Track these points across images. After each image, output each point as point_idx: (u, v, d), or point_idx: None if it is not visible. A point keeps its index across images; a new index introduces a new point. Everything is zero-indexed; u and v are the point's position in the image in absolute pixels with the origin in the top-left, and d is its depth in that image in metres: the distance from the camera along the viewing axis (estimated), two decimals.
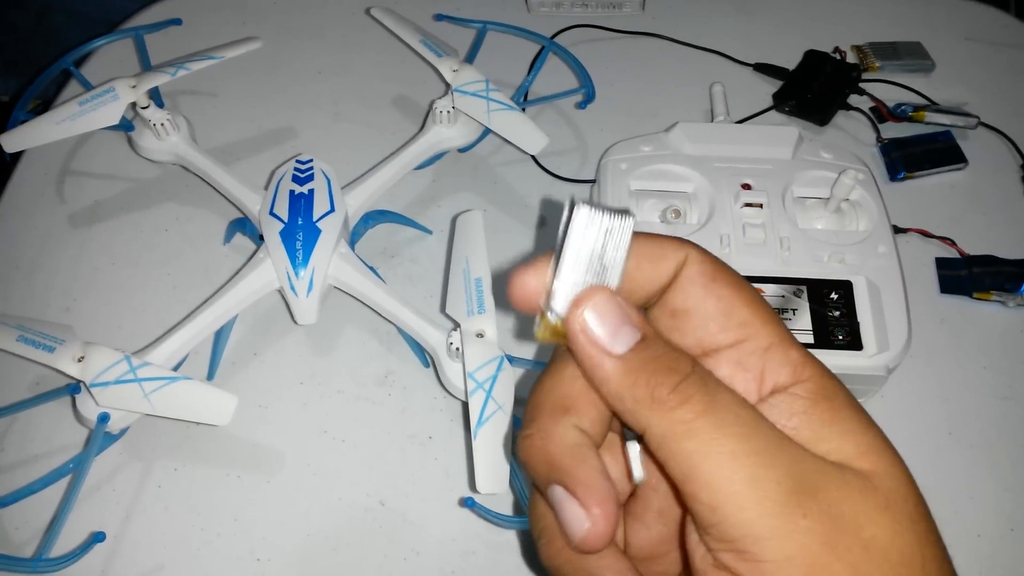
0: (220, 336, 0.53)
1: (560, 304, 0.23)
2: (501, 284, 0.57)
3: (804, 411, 0.22)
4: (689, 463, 0.21)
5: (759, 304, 0.24)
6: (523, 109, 0.61)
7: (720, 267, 0.24)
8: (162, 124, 0.59)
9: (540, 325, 0.23)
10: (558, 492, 0.22)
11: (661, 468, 0.22)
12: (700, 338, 0.24)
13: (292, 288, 0.51)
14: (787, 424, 0.22)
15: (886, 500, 0.21)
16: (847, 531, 0.20)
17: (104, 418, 0.47)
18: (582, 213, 0.23)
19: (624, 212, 0.23)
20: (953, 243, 0.60)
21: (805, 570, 0.20)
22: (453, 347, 0.49)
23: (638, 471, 0.23)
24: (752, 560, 0.20)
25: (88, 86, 0.60)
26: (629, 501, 0.27)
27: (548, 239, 0.61)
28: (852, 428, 0.22)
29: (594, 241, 0.23)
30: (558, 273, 0.23)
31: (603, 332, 0.22)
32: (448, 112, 0.61)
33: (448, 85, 0.60)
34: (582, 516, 0.22)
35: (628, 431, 0.23)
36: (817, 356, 0.24)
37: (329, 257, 0.52)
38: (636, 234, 0.23)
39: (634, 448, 0.24)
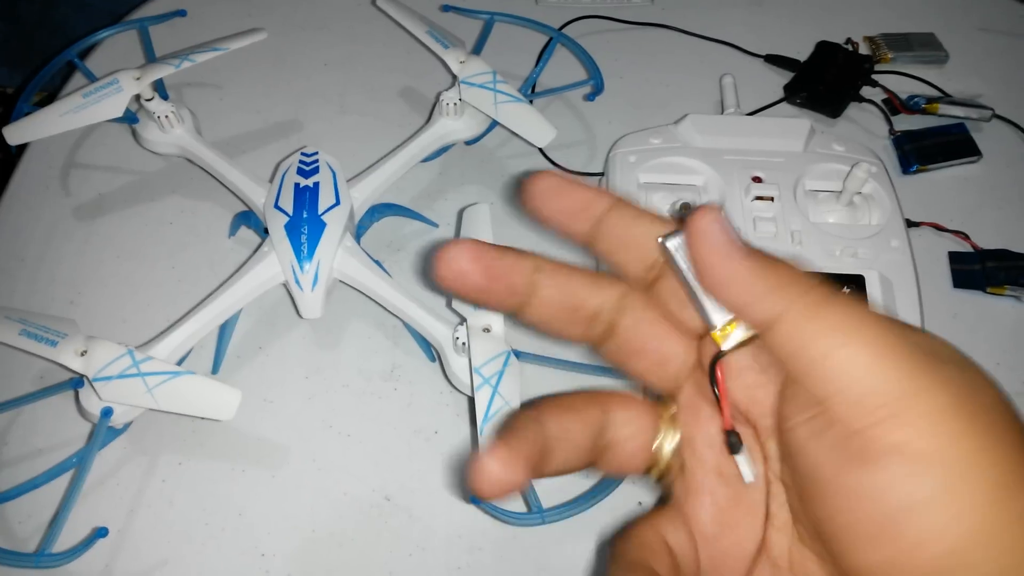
0: (225, 330, 0.52)
1: (719, 319, 0.23)
2: None
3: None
4: (830, 338, 0.20)
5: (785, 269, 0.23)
6: (531, 101, 0.60)
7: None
8: (166, 116, 0.59)
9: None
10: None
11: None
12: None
13: (297, 282, 0.51)
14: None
15: (980, 375, 0.21)
16: (976, 390, 0.20)
17: (107, 412, 0.47)
18: (676, 242, 0.23)
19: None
20: (967, 237, 0.59)
21: (959, 421, 0.19)
22: (459, 342, 0.48)
23: (748, 474, 0.24)
24: (904, 423, 0.19)
25: (92, 78, 0.60)
26: (682, 475, 0.26)
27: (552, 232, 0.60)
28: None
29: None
30: (699, 299, 0.23)
31: (727, 235, 0.22)
32: (455, 104, 0.60)
33: (455, 77, 0.60)
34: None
35: (733, 442, 0.23)
36: None
37: (334, 251, 0.52)
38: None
39: (741, 458, 0.24)
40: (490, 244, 0.24)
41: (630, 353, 0.25)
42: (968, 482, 0.19)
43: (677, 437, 0.25)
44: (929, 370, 0.20)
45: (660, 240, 0.23)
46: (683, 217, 0.23)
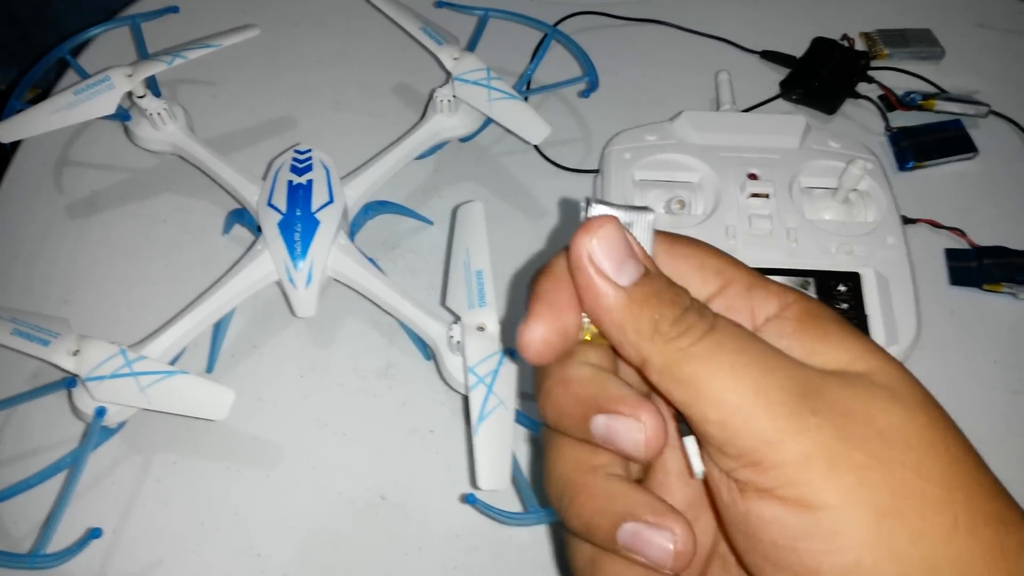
0: (219, 329, 0.52)
1: None
2: (502, 277, 0.57)
3: (794, 331, 0.23)
4: (694, 386, 0.21)
5: (723, 254, 0.25)
6: (525, 98, 0.60)
7: (673, 236, 0.25)
8: (159, 114, 0.58)
9: (584, 330, 0.24)
10: (599, 421, 0.23)
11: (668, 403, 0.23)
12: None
13: (291, 280, 0.51)
14: (779, 345, 0.23)
15: (891, 392, 0.21)
16: (860, 422, 0.20)
17: (101, 412, 0.47)
18: (598, 210, 0.23)
19: (643, 208, 0.24)
20: (963, 234, 0.59)
21: (825, 464, 0.20)
22: (454, 340, 0.48)
23: (698, 465, 0.23)
24: (771, 467, 0.20)
25: (84, 75, 0.60)
26: (648, 475, 0.26)
27: (552, 232, 0.60)
28: (842, 339, 0.23)
29: None
30: None
31: (609, 262, 0.22)
32: (449, 101, 0.60)
33: (449, 73, 0.59)
34: (635, 426, 0.22)
35: (684, 426, 0.23)
36: None
37: (328, 249, 0.51)
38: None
39: (691, 443, 0.23)
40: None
41: None
42: (899, 530, 0.20)
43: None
44: (802, 409, 0.21)
45: (585, 200, 0.24)
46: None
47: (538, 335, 0.23)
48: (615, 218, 0.23)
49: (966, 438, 0.22)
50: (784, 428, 0.20)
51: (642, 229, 0.24)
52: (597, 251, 0.22)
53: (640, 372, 0.23)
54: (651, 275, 0.23)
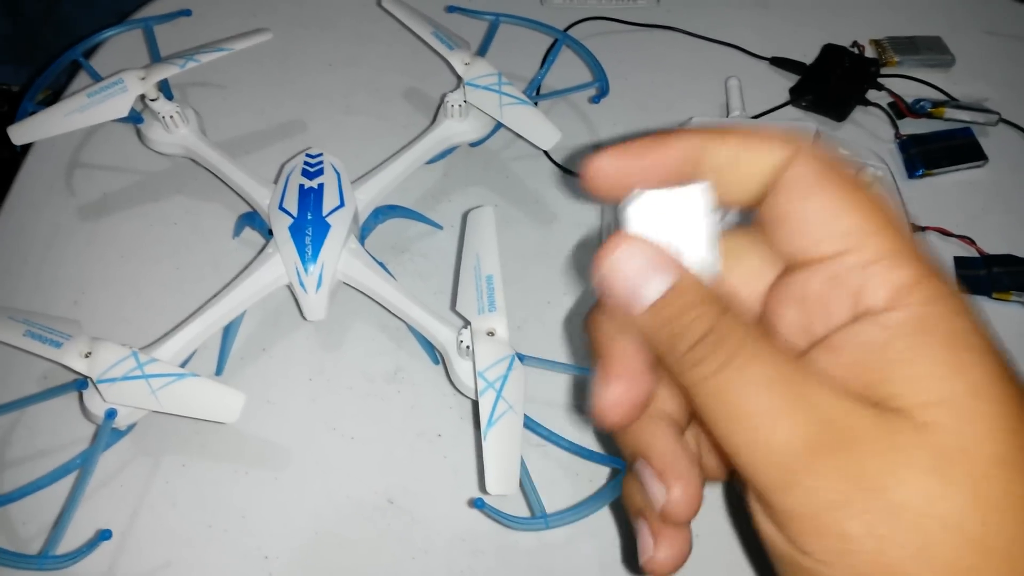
0: (228, 332, 0.52)
1: None
2: (512, 282, 0.57)
3: (884, 344, 0.20)
4: (705, 413, 0.21)
5: (874, 211, 0.21)
6: (535, 103, 0.60)
7: (832, 166, 0.22)
8: (171, 116, 0.59)
9: None
10: (640, 465, 0.23)
11: None
12: (799, 248, 0.22)
13: (301, 284, 0.51)
14: (859, 358, 0.20)
15: (935, 460, 0.18)
16: (867, 489, 0.18)
17: (111, 414, 0.47)
18: (644, 199, 0.22)
19: (694, 188, 0.22)
20: (972, 242, 0.59)
21: (810, 524, 0.19)
22: (463, 345, 0.48)
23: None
24: (770, 510, 0.20)
25: (97, 77, 0.60)
26: None
27: (562, 237, 0.60)
28: (935, 373, 0.19)
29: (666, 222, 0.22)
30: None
31: (628, 283, 0.21)
32: (460, 106, 0.60)
33: (460, 78, 0.60)
34: (661, 490, 0.22)
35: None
36: None
37: (339, 252, 0.52)
38: (730, 131, 0.22)
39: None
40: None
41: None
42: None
43: None
44: (803, 466, 0.19)
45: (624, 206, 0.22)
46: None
47: (617, 397, 0.23)
48: (633, 238, 0.21)
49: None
50: (776, 481, 0.19)
51: (693, 213, 0.22)
52: (615, 273, 0.21)
53: None
54: (677, 289, 0.21)
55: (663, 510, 0.22)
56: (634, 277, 0.21)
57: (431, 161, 0.61)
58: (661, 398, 0.24)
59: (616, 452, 0.48)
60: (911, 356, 0.19)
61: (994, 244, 0.58)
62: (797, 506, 0.19)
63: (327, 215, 0.52)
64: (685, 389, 0.21)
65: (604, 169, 0.23)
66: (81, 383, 0.48)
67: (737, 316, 0.21)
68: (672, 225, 0.22)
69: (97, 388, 0.46)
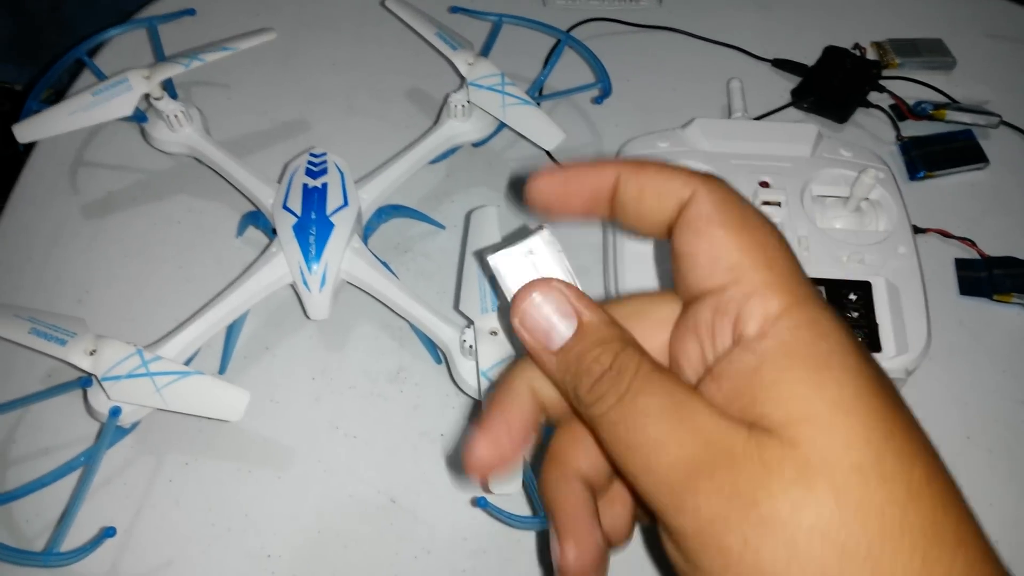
0: (232, 330, 0.53)
1: None
2: None
3: (755, 369, 0.21)
4: (606, 448, 0.23)
5: (758, 247, 0.23)
6: (538, 104, 0.60)
7: (725, 208, 0.24)
8: (175, 116, 0.59)
9: None
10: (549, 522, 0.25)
11: None
12: (693, 281, 0.24)
13: (305, 283, 0.51)
14: (735, 384, 0.22)
15: (799, 472, 0.20)
16: (741, 506, 0.20)
17: (116, 412, 0.47)
18: (499, 260, 0.25)
19: (535, 230, 0.25)
20: (973, 244, 0.59)
21: (698, 541, 0.20)
22: (466, 345, 0.48)
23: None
24: (667, 531, 0.22)
25: (102, 76, 0.60)
26: None
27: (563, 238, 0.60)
28: (796, 393, 0.21)
29: (524, 275, 0.25)
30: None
31: (538, 330, 0.24)
32: (463, 106, 0.60)
33: (463, 78, 0.60)
34: (555, 545, 0.25)
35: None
36: None
37: (342, 252, 0.52)
38: (646, 164, 0.25)
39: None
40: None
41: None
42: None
43: None
44: (686, 489, 0.21)
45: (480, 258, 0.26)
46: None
47: (483, 454, 0.25)
48: (539, 285, 0.24)
49: (921, 537, 0.19)
50: (667, 505, 0.21)
51: (546, 252, 0.25)
52: (525, 322, 0.24)
53: None
54: (581, 332, 0.24)
55: (559, 567, 0.24)
56: (543, 324, 0.24)
57: (434, 161, 0.62)
58: (576, 456, 0.26)
59: None
60: (777, 379, 0.21)
61: (995, 246, 0.59)
62: (685, 525, 0.21)
63: (331, 214, 0.52)
64: (592, 428, 0.23)
65: (541, 189, 0.26)
66: (85, 381, 0.48)
67: (635, 351, 0.23)
68: (534, 269, 0.25)
69: (102, 386, 0.46)
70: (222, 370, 0.53)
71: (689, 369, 0.24)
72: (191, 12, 0.70)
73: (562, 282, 0.24)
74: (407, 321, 0.53)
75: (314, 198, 0.53)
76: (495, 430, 0.25)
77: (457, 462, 0.50)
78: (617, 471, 0.24)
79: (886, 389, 0.21)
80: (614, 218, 0.26)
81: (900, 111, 0.66)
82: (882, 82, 0.67)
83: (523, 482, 0.44)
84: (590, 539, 0.25)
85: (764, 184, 0.55)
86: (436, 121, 0.62)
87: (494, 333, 0.48)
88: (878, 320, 0.50)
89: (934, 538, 0.19)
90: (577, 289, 0.24)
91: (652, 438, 0.21)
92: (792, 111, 0.67)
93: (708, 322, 0.23)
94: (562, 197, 0.26)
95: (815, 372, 0.21)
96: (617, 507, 0.27)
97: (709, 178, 0.24)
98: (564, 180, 0.26)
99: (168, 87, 0.60)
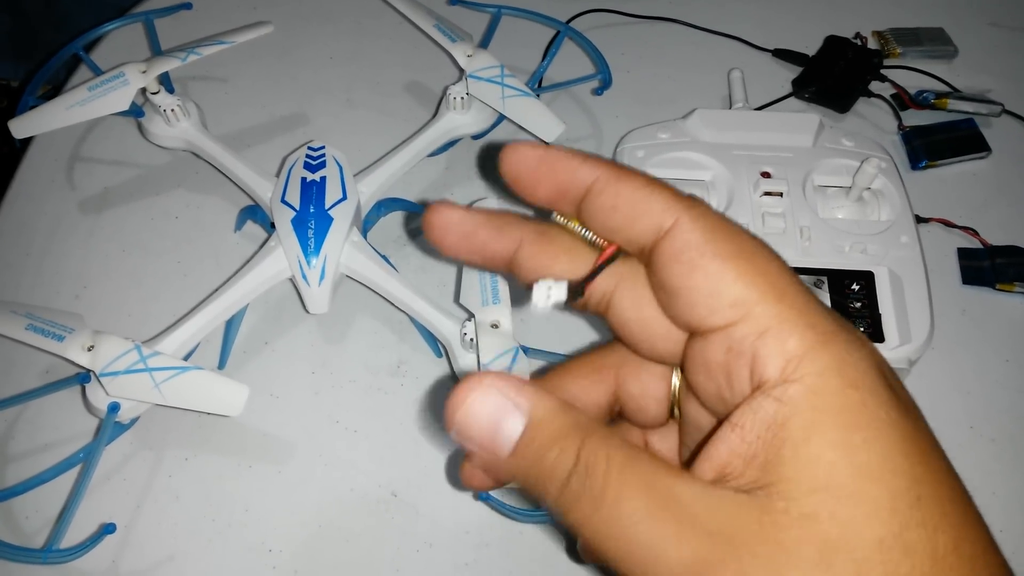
0: (231, 325, 0.52)
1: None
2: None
3: (783, 422, 0.19)
4: (603, 557, 0.20)
5: (761, 276, 0.21)
6: (538, 95, 0.60)
7: (713, 234, 0.21)
8: (172, 110, 0.58)
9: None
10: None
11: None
12: (694, 318, 0.21)
13: (304, 277, 0.51)
14: (759, 436, 0.20)
15: (819, 553, 0.18)
16: None
17: (114, 408, 0.47)
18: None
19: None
20: (976, 233, 0.58)
21: None
22: (467, 338, 0.48)
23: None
24: None
25: (98, 71, 0.60)
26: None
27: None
28: (823, 456, 0.19)
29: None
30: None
31: (484, 431, 0.20)
32: (462, 98, 0.60)
33: (462, 71, 0.59)
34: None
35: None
36: None
37: (341, 245, 0.51)
38: (628, 175, 0.22)
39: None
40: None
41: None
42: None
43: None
44: None
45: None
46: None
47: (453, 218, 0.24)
48: (471, 387, 0.20)
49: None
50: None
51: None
52: (467, 428, 0.21)
53: None
54: (531, 430, 0.20)
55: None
56: (488, 423, 0.20)
57: (434, 154, 0.61)
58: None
59: None
60: (805, 436, 0.19)
61: (998, 235, 0.58)
62: None
63: (330, 208, 0.52)
64: (573, 531, 0.20)
65: (514, 159, 0.23)
66: (84, 377, 0.48)
67: (599, 439, 0.20)
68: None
69: (100, 382, 0.46)
70: (221, 365, 0.53)
71: (709, 402, 0.22)
72: (187, 6, 0.70)
73: (498, 374, 0.21)
74: (407, 314, 0.53)
75: (313, 192, 0.52)
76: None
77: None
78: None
79: (920, 443, 0.19)
80: (580, 220, 0.24)
81: (902, 100, 0.66)
82: (884, 71, 0.67)
83: None
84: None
85: (766, 174, 0.55)
86: (435, 114, 0.62)
87: (495, 326, 0.47)
88: (881, 310, 0.50)
89: None
90: (516, 378, 0.21)
91: (646, 544, 0.19)
92: (793, 101, 0.67)
93: (722, 363, 0.21)
94: (532, 175, 0.23)
95: (845, 432, 0.19)
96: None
97: (693, 202, 0.22)
98: (539, 158, 0.23)
99: (165, 81, 0.60)
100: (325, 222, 0.51)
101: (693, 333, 0.22)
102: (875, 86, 0.66)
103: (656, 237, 0.22)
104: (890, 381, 0.20)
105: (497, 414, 0.20)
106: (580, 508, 0.20)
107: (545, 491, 0.20)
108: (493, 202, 0.53)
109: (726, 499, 0.19)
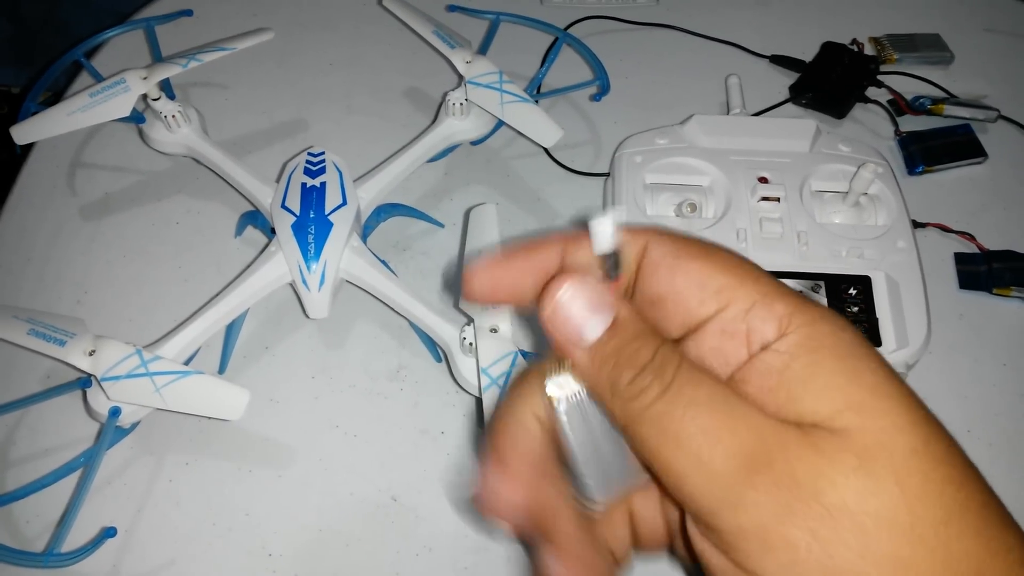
0: (232, 330, 0.53)
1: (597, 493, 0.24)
2: None
3: (783, 367, 0.21)
4: (647, 448, 0.21)
5: (735, 266, 0.23)
6: (536, 101, 0.60)
7: (684, 242, 0.24)
8: (173, 116, 0.59)
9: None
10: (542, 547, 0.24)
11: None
12: (683, 318, 0.23)
13: (304, 282, 0.51)
14: (765, 385, 0.21)
15: (858, 459, 0.19)
16: (804, 498, 0.19)
17: (115, 412, 0.47)
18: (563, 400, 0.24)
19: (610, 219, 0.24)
20: (972, 238, 0.59)
21: (758, 542, 0.19)
22: (466, 342, 0.48)
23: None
24: (715, 532, 0.20)
25: (99, 77, 0.60)
26: None
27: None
28: (834, 383, 0.20)
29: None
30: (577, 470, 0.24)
31: (571, 324, 0.22)
32: (461, 104, 0.60)
33: (461, 77, 0.60)
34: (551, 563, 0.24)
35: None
36: None
37: (341, 251, 0.52)
38: (582, 235, 0.24)
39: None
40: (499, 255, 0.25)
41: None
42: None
43: None
44: (742, 482, 0.20)
45: (547, 393, 0.23)
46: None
47: (507, 495, 0.24)
48: (571, 278, 0.22)
49: (970, 516, 0.19)
50: (722, 500, 0.20)
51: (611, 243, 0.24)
52: (558, 313, 0.22)
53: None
54: (618, 326, 0.22)
55: None
56: (576, 318, 0.22)
57: (433, 159, 0.62)
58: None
59: None
60: (812, 372, 0.20)
61: (994, 240, 0.59)
62: (744, 522, 0.20)
63: (329, 213, 0.52)
64: (627, 429, 0.22)
65: (481, 282, 0.25)
66: (85, 381, 0.48)
67: (674, 346, 0.22)
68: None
69: (101, 386, 0.46)
70: (222, 369, 0.53)
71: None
72: (188, 13, 0.70)
73: (588, 278, 0.23)
74: (407, 319, 0.53)
75: (312, 197, 0.53)
76: (513, 467, 0.24)
77: (459, 459, 0.50)
78: (655, 476, 0.22)
79: (900, 377, 0.21)
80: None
81: (898, 106, 0.66)
82: (880, 77, 0.67)
83: None
84: (585, 552, 0.24)
85: (763, 180, 0.55)
86: (434, 119, 0.62)
87: (494, 330, 0.48)
88: (878, 315, 0.50)
89: (989, 518, 0.19)
90: (610, 284, 0.23)
91: (703, 428, 0.20)
92: (790, 107, 0.67)
93: (714, 347, 0.23)
94: (507, 283, 0.25)
95: (847, 361, 0.20)
96: (618, 527, 0.26)
97: (655, 230, 0.24)
98: (505, 268, 0.25)
99: (166, 88, 0.60)
100: (325, 227, 0.52)
101: (686, 334, 0.23)
102: (872, 92, 0.67)
103: (638, 261, 0.24)
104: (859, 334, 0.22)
105: (588, 308, 0.22)
106: (647, 395, 0.21)
107: (618, 380, 0.22)
108: (491, 208, 0.53)
109: (771, 417, 0.21)
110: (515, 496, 0.24)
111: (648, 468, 0.22)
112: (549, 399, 0.23)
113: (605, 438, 0.23)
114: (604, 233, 0.23)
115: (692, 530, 0.22)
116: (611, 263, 0.23)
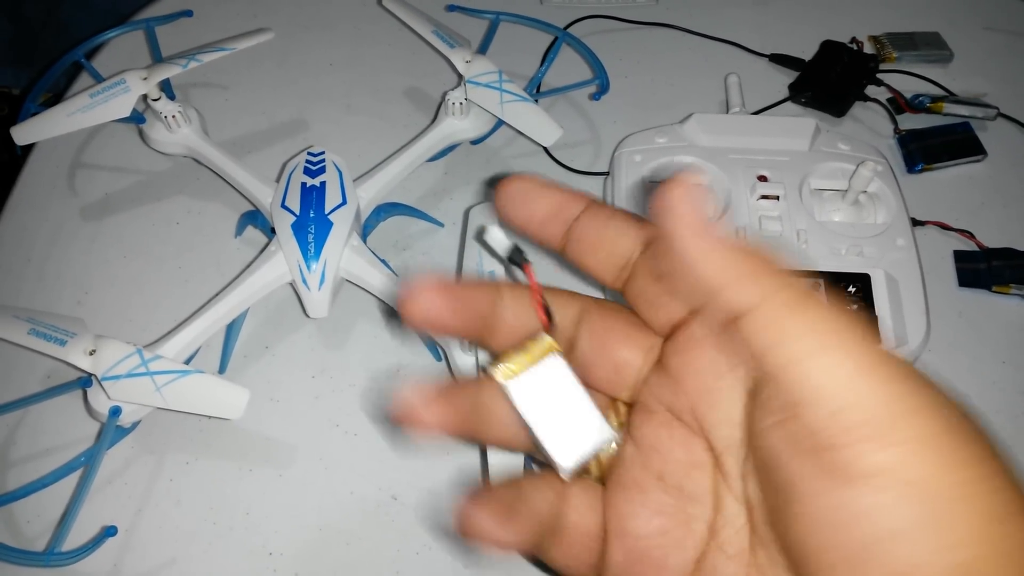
0: (232, 329, 0.53)
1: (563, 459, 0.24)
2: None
3: (765, 322, 0.20)
4: (808, 342, 0.19)
5: (732, 257, 0.21)
6: (536, 100, 0.60)
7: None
8: (173, 116, 0.59)
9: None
10: None
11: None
12: (674, 309, 0.24)
13: (304, 281, 0.51)
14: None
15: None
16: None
17: (116, 412, 0.47)
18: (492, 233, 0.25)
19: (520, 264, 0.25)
20: (972, 236, 0.59)
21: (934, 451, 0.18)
22: (466, 342, 0.48)
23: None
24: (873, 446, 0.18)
25: (99, 78, 0.60)
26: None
27: None
28: (813, 325, 0.19)
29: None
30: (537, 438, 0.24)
31: (687, 213, 0.20)
32: (460, 104, 0.60)
33: (461, 76, 0.60)
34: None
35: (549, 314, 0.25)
36: None
37: (341, 250, 0.52)
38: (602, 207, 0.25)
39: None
40: (449, 278, 0.24)
41: (588, 366, 0.25)
42: (958, 513, 0.18)
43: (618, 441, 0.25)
44: (917, 392, 0.18)
45: (500, 383, 0.23)
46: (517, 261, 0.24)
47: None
48: (693, 175, 0.21)
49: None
50: (907, 404, 0.18)
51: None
52: (692, 196, 0.20)
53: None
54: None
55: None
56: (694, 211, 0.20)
57: (432, 159, 0.62)
58: None
59: None
60: (788, 327, 0.19)
61: (994, 238, 0.59)
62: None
63: (329, 213, 0.52)
64: (768, 316, 0.19)
65: (421, 305, 0.23)
66: (85, 381, 0.48)
67: None
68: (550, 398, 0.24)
69: (102, 385, 0.46)
70: (222, 369, 0.53)
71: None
72: (188, 13, 0.70)
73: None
74: None
75: (312, 197, 0.53)
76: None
77: (460, 458, 0.50)
78: (783, 376, 0.19)
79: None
80: (564, 249, 0.26)
81: (898, 104, 0.66)
82: (879, 76, 0.67)
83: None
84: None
85: (762, 178, 0.55)
86: (434, 119, 0.62)
87: None
88: (877, 312, 0.50)
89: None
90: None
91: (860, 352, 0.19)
92: (790, 105, 0.67)
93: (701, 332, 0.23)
94: (529, 211, 0.25)
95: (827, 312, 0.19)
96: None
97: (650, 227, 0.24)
98: (535, 188, 0.25)
99: (166, 88, 0.60)
100: (325, 227, 0.52)
101: (680, 323, 0.23)
102: (871, 90, 0.67)
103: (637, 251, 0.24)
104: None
105: (699, 200, 0.20)
106: (796, 288, 0.19)
107: (764, 261, 0.20)
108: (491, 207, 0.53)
109: None
110: (438, 300, 0.23)
111: (772, 370, 0.19)
112: (501, 386, 0.23)
113: (568, 405, 0.24)
114: (498, 238, 0.24)
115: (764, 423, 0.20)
116: (518, 254, 0.24)
